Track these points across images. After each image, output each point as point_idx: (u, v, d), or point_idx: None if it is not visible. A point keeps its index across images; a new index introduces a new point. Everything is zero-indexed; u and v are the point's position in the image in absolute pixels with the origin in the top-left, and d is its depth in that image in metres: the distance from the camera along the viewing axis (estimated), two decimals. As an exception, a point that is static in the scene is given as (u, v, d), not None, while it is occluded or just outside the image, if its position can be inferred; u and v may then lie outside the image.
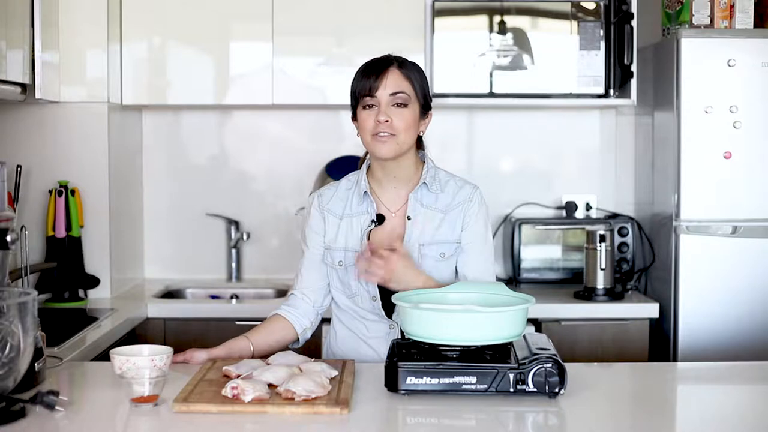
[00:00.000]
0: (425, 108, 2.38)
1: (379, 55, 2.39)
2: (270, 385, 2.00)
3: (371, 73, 2.32)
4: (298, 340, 2.46)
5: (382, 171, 2.40)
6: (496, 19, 3.65)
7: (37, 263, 3.42)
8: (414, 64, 2.39)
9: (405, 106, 2.31)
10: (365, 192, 2.40)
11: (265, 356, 2.27)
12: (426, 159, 2.44)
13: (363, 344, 2.44)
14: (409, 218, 2.38)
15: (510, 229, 3.88)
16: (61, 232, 3.43)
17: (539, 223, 3.85)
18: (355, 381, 2.11)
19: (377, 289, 2.37)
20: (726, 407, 2.10)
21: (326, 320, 2.55)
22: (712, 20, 3.52)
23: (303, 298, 2.45)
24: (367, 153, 2.45)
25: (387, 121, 2.29)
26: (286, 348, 2.43)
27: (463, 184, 2.43)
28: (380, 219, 2.40)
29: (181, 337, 3.36)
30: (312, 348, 3.21)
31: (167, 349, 2.10)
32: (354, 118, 2.38)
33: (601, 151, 4.07)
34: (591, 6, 3.65)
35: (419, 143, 2.45)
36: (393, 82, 2.31)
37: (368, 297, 2.39)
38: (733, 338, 3.42)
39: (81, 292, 3.49)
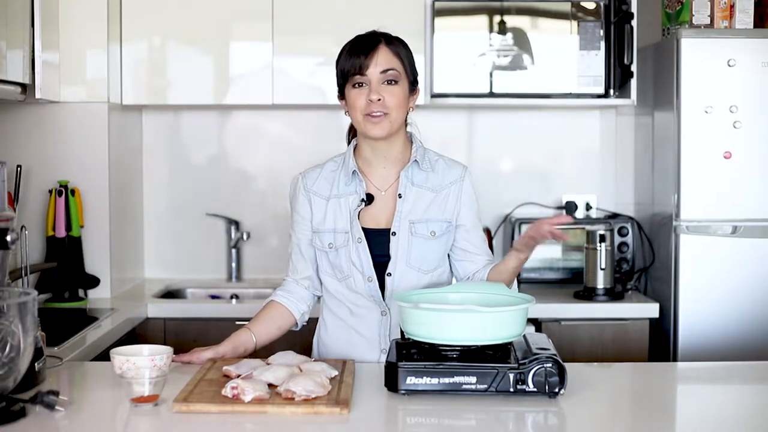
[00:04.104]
0: (413, 84, 2.38)
1: (363, 33, 2.37)
2: (270, 385, 2.00)
3: (360, 51, 2.30)
4: (296, 324, 2.45)
5: (372, 151, 2.38)
6: (496, 19, 3.65)
7: (37, 263, 3.42)
8: (400, 40, 2.37)
9: (396, 83, 2.30)
10: (354, 171, 2.38)
11: (267, 344, 2.27)
12: (414, 138, 2.43)
13: (353, 332, 2.40)
14: (400, 196, 2.37)
15: (510, 229, 3.88)
16: (61, 232, 3.43)
17: (539, 223, 3.85)
18: (355, 381, 2.11)
19: (373, 269, 2.35)
20: (726, 407, 2.10)
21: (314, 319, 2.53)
22: (712, 20, 3.52)
23: (298, 283, 2.44)
24: (350, 132, 2.45)
25: (379, 99, 2.28)
26: (287, 343, 2.43)
27: (453, 164, 2.44)
28: (369, 199, 2.38)
29: (181, 337, 3.36)
30: (312, 348, 3.21)
31: (167, 349, 2.10)
32: (341, 97, 2.37)
33: (601, 151, 4.07)
34: (591, 6, 3.65)
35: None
36: (383, 59, 2.30)
37: (363, 279, 2.36)
38: (733, 338, 3.42)
39: (81, 292, 3.49)
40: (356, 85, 2.31)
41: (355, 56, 2.30)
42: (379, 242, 2.36)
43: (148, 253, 4.01)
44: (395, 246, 2.35)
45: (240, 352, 2.32)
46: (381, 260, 2.36)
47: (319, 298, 2.51)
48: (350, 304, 2.41)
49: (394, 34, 2.38)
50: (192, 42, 3.68)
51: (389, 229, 2.36)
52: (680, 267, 3.45)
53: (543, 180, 4.06)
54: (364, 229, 2.36)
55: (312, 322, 2.52)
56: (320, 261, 2.43)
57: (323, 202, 2.40)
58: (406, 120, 2.40)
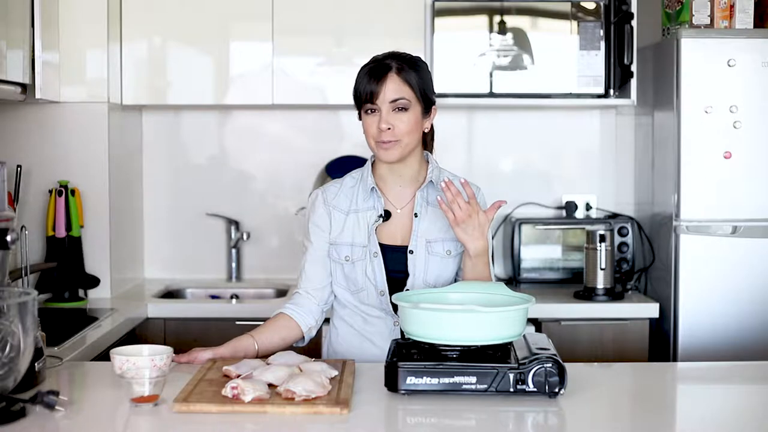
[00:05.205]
0: (428, 106, 2.39)
1: (380, 54, 2.38)
2: (270, 385, 2.00)
3: (371, 77, 2.33)
4: (303, 338, 2.47)
5: (388, 170, 2.42)
6: (496, 19, 3.65)
7: (37, 263, 3.42)
8: (414, 63, 2.37)
9: (406, 110, 2.33)
10: (372, 188, 2.42)
11: (268, 355, 2.27)
12: (430, 158, 2.46)
13: (366, 341, 2.44)
14: (416, 215, 2.41)
15: (510, 229, 3.88)
16: (61, 232, 3.43)
17: (539, 223, 3.85)
18: (355, 381, 2.11)
19: (386, 284, 2.38)
20: (726, 407, 2.10)
21: (326, 320, 2.54)
22: (712, 20, 3.52)
23: (308, 297, 2.45)
24: None
25: (389, 128, 2.31)
26: (290, 347, 2.43)
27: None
28: (386, 215, 2.42)
29: (181, 337, 3.36)
30: (312, 348, 3.21)
31: (167, 349, 2.10)
32: (360, 117, 2.40)
33: (601, 151, 4.07)
34: (591, 6, 3.65)
35: (425, 139, 2.46)
36: (392, 88, 2.31)
37: (375, 292, 2.39)
38: (733, 338, 3.42)
39: (81, 292, 3.49)
40: (368, 111, 2.35)
41: (366, 83, 2.33)
42: (394, 258, 2.40)
43: (148, 253, 4.01)
44: (412, 264, 2.40)
45: (240, 356, 2.32)
46: (395, 276, 2.40)
47: (327, 320, 2.53)
48: (363, 314, 2.44)
49: (413, 55, 2.39)
50: (192, 42, 3.68)
51: (405, 246, 2.41)
52: (680, 267, 3.45)
53: (543, 180, 4.06)
54: (381, 245, 2.40)
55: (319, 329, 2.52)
56: (335, 273, 2.46)
57: (342, 216, 2.44)
58: (426, 138, 2.45)
